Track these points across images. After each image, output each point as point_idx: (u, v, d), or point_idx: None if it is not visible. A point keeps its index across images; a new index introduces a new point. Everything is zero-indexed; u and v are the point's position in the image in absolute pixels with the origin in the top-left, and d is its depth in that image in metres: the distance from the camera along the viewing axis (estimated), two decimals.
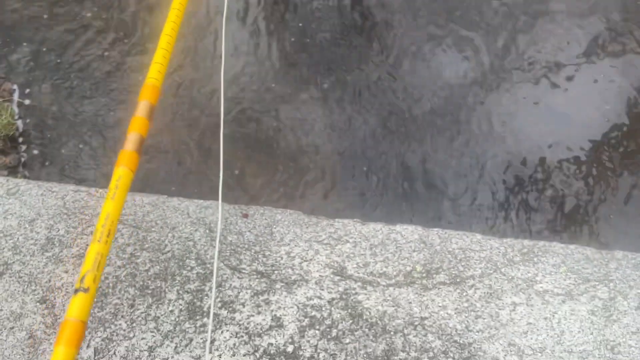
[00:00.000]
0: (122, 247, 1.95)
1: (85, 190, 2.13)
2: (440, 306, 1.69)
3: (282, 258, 1.88)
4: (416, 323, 1.67)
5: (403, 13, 2.57)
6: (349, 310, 1.73)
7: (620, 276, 1.67)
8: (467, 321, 1.65)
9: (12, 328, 1.83)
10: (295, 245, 1.90)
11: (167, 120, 2.55)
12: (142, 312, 1.81)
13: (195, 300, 1.81)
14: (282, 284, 1.81)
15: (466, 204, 2.17)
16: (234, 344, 1.71)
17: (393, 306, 1.71)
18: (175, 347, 1.73)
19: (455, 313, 1.67)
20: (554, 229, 2.05)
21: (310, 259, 1.86)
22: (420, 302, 1.71)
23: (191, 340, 1.73)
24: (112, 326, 1.79)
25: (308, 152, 2.39)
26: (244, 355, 1.68)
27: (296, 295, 1.78)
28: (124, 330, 1.78)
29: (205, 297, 1.81)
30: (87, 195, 2.11)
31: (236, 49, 2.70)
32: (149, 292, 1.85)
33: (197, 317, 1.77)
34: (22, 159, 2.73)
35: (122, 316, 1.81)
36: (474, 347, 1.61)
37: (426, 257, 1.80)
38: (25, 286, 1.90)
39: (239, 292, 1.80)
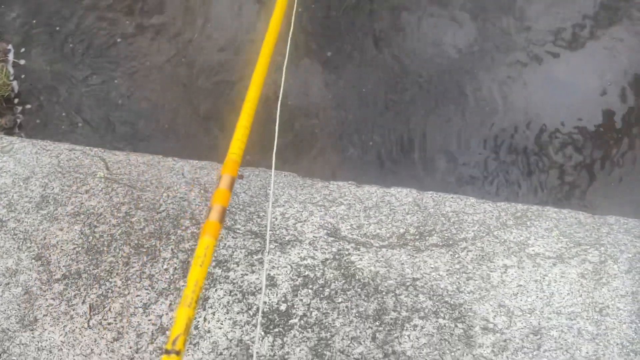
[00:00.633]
0: (117, 206, 1.95)
1: (80, 149, 2.12)
2: (432, 267, 1.71)
3: (276, 219, 1.88)
4: (408, 284, 1.69)
5: None
6: (342, 271, 1.74)
7: (612, 240, 1.68)
8: (459, 282, 1.67)
9: (8, 284, 1.85)
10: (290, 207, 1.91)
11: (167, 81, 2.52)
12: (136, 270, 1.82)
13: (189, 259, 1.82)
14: (276, 244, 1.82)
15: (462, 169, 2.16)
16: (228, 302, 1.73)
17: (385, 267, 1.73)
18: (170, 304, 1.75)
19: (446, 274, 1.69)
20: (548, 194, 2.05)
21: (305, 220, 1.86)
22: (413, 263, 1.72)
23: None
24: (107, 283, 1.81)
25: (305, 115, 2.37)
26: (238, 313, 1.71)
27: (290, 255, 1.79)
28: (119, 287, 1.80)
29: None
30: (82, 154, 2.11)
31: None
32: (144, 250, 1.86)
33: None
34: (18, 121, 2.71)
35: (117, 274, 1.82)
36: (465, 308, 1.63)
37: (419, 220, 1.81)
38: (21, 243, 1.91)
39: (233, 252, 1.82)
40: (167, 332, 1.70)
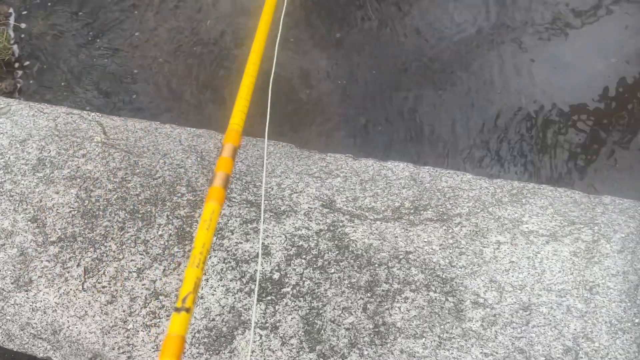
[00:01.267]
0: (114, 171, 1.95)
1: (78, 113, 2.11)
2: (425, 242, 1.71)
3: (272, 189, 1.88)
4: (401, 257, 1.70)
5: None
6: (336, 242, 1.75)
7: (606, 220, 1.68)
8: (451, 257, 1.68)
9: (3, 245, 1.86)
10: (286, 177, 1.90)
11: (167, 49, 2.49)
12: (131, 235, 1.83)
13: (184, 225, 1.83)
14: (272, 214, 1.82)
15: (460, 145, 2.15)
16: (222, 269, 1.74)
17: (379, 240, 1.73)
18: (164, 269, 1.76)
19: (439, 249, 1.69)
20: (544, 172, 2.04)
21: (300, 191, 1.86)
22: (406, 237, 1.73)
23: (179, 264, 1.76)
24: (102, 247, 1.82)
25: (305, 88, 2.35)
26: (231, 280, 1.72)
27: (284, 225, 1.80)
28: (114, 251, 1.81)
29: (195, 223, 1.82)
30: (80, 119, 2.10)
31: None
32: (139, 216, 1.86)
33: (186, 242, 1.79)
34: (18, 85, 2.69)
35: (112, 238, 1.83)
36: (456, 282, 1.64)
37: (415, 194, 1.81)
38: (17, 205, 1.91)
39: (228, 220, 1.82)
40: (161, 297, 1.72)
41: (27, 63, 2.69)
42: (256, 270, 1.73)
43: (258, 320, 1.65)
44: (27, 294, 1.78)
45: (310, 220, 1.80)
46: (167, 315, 1.68)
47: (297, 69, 2.36)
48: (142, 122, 2.07)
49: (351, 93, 2.29)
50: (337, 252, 1.73)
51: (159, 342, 1.66)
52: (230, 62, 2.42)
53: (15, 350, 1.74)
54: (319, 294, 1.67)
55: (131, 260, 1.79)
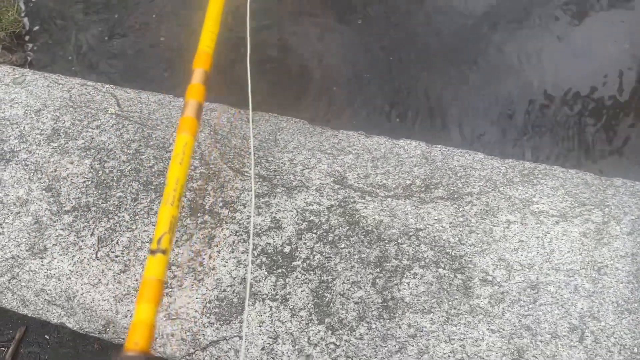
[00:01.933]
0: (127, 143, 1.97)
1: (92, 85, 2.12)
2: (435, 219, 1.73)
3: (284, 164, 1.89)
4: (411, 233, 1.71)
5: None
6: (347, 218, 1.76)
7: (617, 202, 1.68)
8: (461, 235, 1.69)
9: (19, 213, 1.88)
10: (298, 153, 1.92)
11: (182, 23, 2.49)
12: (144, 206, 1.85)
13: (197, 198, 1.85)
14: (283, 189, 1.84)
15: (472, 125, 2.16)
16: (233, 242, 1.76)
17: (389, 216, 1.75)
18: (177, 240, 1.79)
19: (449, 227, 1.71)
20: (556, 154, 2.05)
21: (312, 167, 1.88)
22: (417, 214, 1.74)
23: (192, 235, 1.79)
24: (116, 217, 1.85)
25: (318, 65, 2.35)
26: (242, 253, 1.74)
27: (296, 200, 1.81)
28: (127, 222, 1.84)
29: (207, 196, 1.84)
30: (94, 90, 2.11)
31: None
32: (152, 187, 1.88)
33: (199, 215, 1.82)
34: (29, 58, 2.70)
35: (125, 209, 1.86)
36: (465, 260, 1.65)
37: (426, 172, 1.82)
38: (32, 174, 1.94)
39: (240, 194, 1.84)
40: (173, 267, 1.75)
41: (37, 36, 2.70)
42: (268, 243, 1.75)
43: (268, 292, 1.67)
44: (41, 261, 1.81)
45: (322, 196, 1.81)
46: (180, 286, 1.71)
47: (310, 46, 2.36)
48: (155, 95, 2.08)
49: (365, 71, 2.29)
50: (347, 227, 1.75)
51: (171, 312, 1.69)
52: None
53: (29, 315, 1.77)
54: (329, 268, 1.69)
55: (144, 231, 1.81)
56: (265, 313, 1.65)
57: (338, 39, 2.38)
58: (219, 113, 2.02)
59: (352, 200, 1.79)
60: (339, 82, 2.32)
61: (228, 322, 1.65)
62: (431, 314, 1.59)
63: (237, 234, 1.77)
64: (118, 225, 1.84)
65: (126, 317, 1.70)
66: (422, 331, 1.58)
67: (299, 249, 1.73)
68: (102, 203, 1.87)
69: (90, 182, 1.91)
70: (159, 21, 2.54)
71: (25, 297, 1.78)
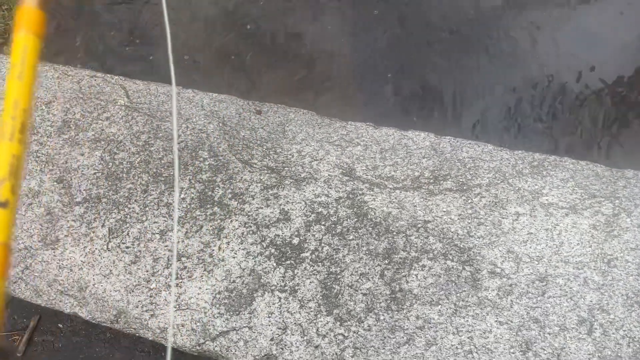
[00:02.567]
0: (137, 135, 1.98)
1: (101, 76, 2.13)
2: (444, 211, 1.72)
3: (292, 156, 1.90)
4: (419, 225, 1.71)
5: None
6: (355, 209, 1.77)
7: (628, 194, 1.67)
8: (469, 227, 1.69)
9: (31, 204, 1.91)
10: (307, 145, 1.92)
11: (191, 14, 2.48)
12: (154, 198, 1.87)
13: (206, 190, 1.86)
14: (292, 180, 1.84)
15: (482, 116, 2.14)
16: (242, 233, 1.77)
17: (398, 208, 1.75)
18: (186, 232, 1.80)
19: (458, 219, 1.71)
20: (566, 145, 2.03)
21: (321, 159, 1.88)
22: (425, 206, 1.74)
23: (201, 227, 1.80)
24: (126, 209, 1.86)
25: (325, 55, 2.34)
26: (251, 244, 1.75)
27: (304, 192, 1.82)
28: (137, 213, 1.85)
29: (217, 188, 1.85)
30: (103, 82, 2.12)
31: None
32: (162, 179, 1.90)
33: (208, 206, 1.83)
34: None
35: (135, 200, 1.87)
36: (473, 252, 1.65)
37: (435, 164, 1.81)
38: (43, 165, 1.96)
39: (249, 185, 1.85)
40: (183, 259, 1.77)
41: (47, 25, 2.70)
42: (277, 235, 1.76)
43: (277, 283, 1.69)
44: (54, 252, 1.83)
45: (330, 188, 1.81)
46: (190, 277, 1.73)
47: (318, 35, 2.35)
48: (164, 86, 2.09)
49: (373, 60, 2.28)
50: (355, 219, 1.75)
51: (181, 302, 1.71)
52: (254, 27, 2.41)
53: (43, 305, 1.80)
54: (337, 259, 1.70)
55: (154, 222, 1.83)
56: (274, 304, 1.66)
57: (348, 29, 2.36)
58: (227, 104, 2.02)
59: (360, 192, 1.79)
60: (347, 73, 2.31)
61: (237, 312, 1.67)
62: (439, 306, 1.60)
63: (246, 225, 1.78)
64: (128, 216, 1.85)
65: (137, 307, 1.73)
66: (430, 323, 1.58)
67: (307, 241, 1.74)
68: (113, 194, 1.89)
69: (100, 173, 1.93)
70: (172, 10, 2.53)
71: (39, 287, 1.81)
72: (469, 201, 1.73)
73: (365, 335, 1.59)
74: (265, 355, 1.62)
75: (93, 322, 1.76)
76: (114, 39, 2.50)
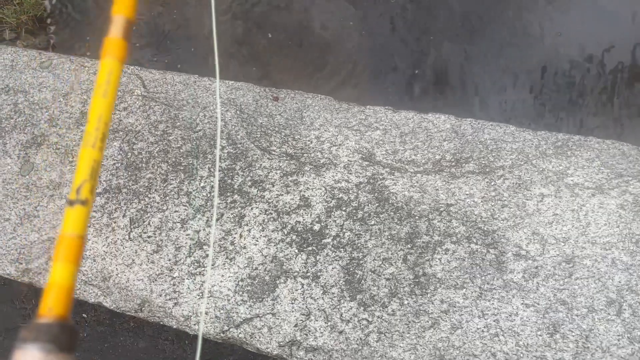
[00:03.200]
0: (155, 124, 1.98)
1: None
2: (467, 194, 1.70)
3: (311, 142, 1.88)
4: (441, 209, 1.70)
5: None
6: (376, 194, 1.75)
7: None
8: (493, 209, 1.67)
9: (52, 196, 1.92)
10: (325, 130, 1.90)
11: (205, 2, 2.47)
12: (174, 187, 1.87)
13: (226, 178, 1.85)
14: (311, 167, 1.83)
15: (504, 97, 2.11)
16: (263, 220, 1.77)
17: (419, 192, 1.73)
18: (207, 220, 1.80)
19: (481, 201, 1.68)
20: (591, 124, 1.99)
21: (340, 144, 1.86)
22: (447, 189, 1.72)
23: (222, 215, 1.80)
24: (146, 199, 1.87)
25: (342, 39, 2.32)
26: (272, 231, 1.75)
27: (324, 177, 1.81)
28: (158, 203, 1.85)
29: (236, 176, 1.85)
30: None
31: None
32: (181, 168, 1.89)
33: (228, 194, 1.82)
34: (52, 41, 2.71)
35: (155, 190, 1.87)
36: (498, 234, 1.63)
37: (457, 147, 1.78)
38: (63, 157, 1.97)
39: (268, 172, 1.84)
40: (205, 247, 1.77)
41: (59, 18, 2.70)
42: (298, 222, 1.75)
43: (299, 270, 1.68)
44: None
45: (350, 173, 1.80)
46: (212, 265, 1.73)
47: (333, 21, 2.32)
48: (180, 75, 2.08)
49: (390, 45, 2.25)
50: (377, 204, 1.74)
51: (204, 290, 1.72)
52: (268, 16, 2.39)
53: None
54: (359, 245, 1.69)
55: (175, 211, 1.83)
56: (297, 290, 1.66)
57: (363, 11, 2.33)
58: (244, 92, 2.01)
59: (381, 176, 1.78)
60: (365, 56, 2.28)
61: (261, 299, 1.67)
62: (464, 290, 1.58)
63: (267, 212, 1.78)
64: (149, 206, 1.86)
65: (160, 296, 1.74)
66: (455, 307, 1.57)
67: (328, 227, 1.73)
68: (133, 185, 1.89)
69: (120, 164, 1.93)
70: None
71: None
72: (492, 183, 1.70)
73: (389, 320, 1.59)
74: (290, 341, 1.62)
75: (117, 311, 1.77)
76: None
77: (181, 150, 1.92)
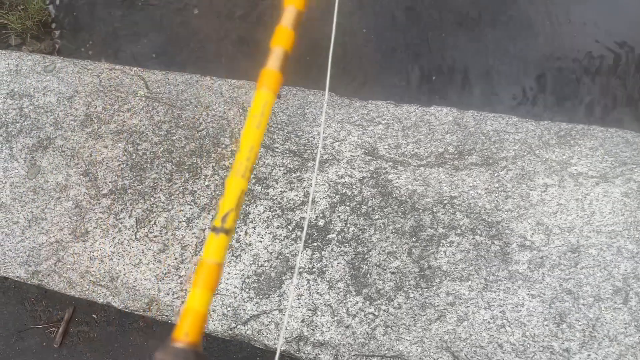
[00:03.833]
0: (158, 125, 1.99)
1: (120, 69, 2.14)
2: (470, 186, 1.70)
3: (314, 138, 1.89)
4: (445, 202, 1.70)
5: None
6: (379, 189, 1.75)
7: None
8: (497, 201, 1.66)
9: (59, 198, 1.94)
10: (327, 126, 1.90)
11: (205, 4, 2.48)
12: (179, 187, 1.88)
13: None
14: (314, 163, 1.84)
15: (505, 88, 2.10)
16: (268, 217, 1.78)
17: (423, 185, 1.73)
18: (212, 219, 1.81)
19: (485, 193, 1.68)
20: (593, 113, 1.98)
21: (342, 140, 1.86)
22: (451, 182, 1.72)
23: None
24: (152, 199, 1.88)
25: (344, 35, 2.32)
26: (277, 228, 1.76)
27: (327, 173, 1.81)
28: (163, 202, 1.87)
29: None
30: (122, 74, 2.13)
31: None
32: (186, 167, 1.91)
33: None
34: (57, 45, 2.73)
35: (160, 189, 1.89)
36: (502, 225, 1.63)
37: (459, 139, 1.78)
38: (69, 160, 1.98)
39: (272, 169, 1.84)
40: None
41: (63, 23, 2.72)
42: (302, 218, 1.76)
43: (305, 265, 1.69)
44: (84, 244, 1.86)
45: (353, 168, 1.80)
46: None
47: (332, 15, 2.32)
48: (183, 75, 2.09)
49: (390, 40, 2.25)
50: (380, 198, 1.74)
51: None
52: (269, 15, 2.39)
53: (76, 296, 1.84)
54: (363, 239, 1.69)
55: (180, 211, 1.85)
56: (303, 286, 1.67)
57: (364, 5, 2.33)
58: (246, 90, 2.01)
59: (384, 171, 1.78)
60: (366, 51, 2.28)
61: (267, 296, 1.68)
62: (469, 282, 1.58)
63: (271, 209, 1.79)
64: (155, 206, 1.87)
65: (168, 294, 1.75)
66: (460, 299, 1.57)
67: (333, 222, 1.74)
68: (138, 185, 1.91)
69: (125, 165, 1.95)
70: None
71: (71, 279, 1.84)
72: (496, 175, 1.70)
73: (395, 314, 1.59)
74: (297, 336, 1.63)
75: (126, 311, 1.79)
76: (131, 32, 2.51)
77: (185, 150, 1.93)
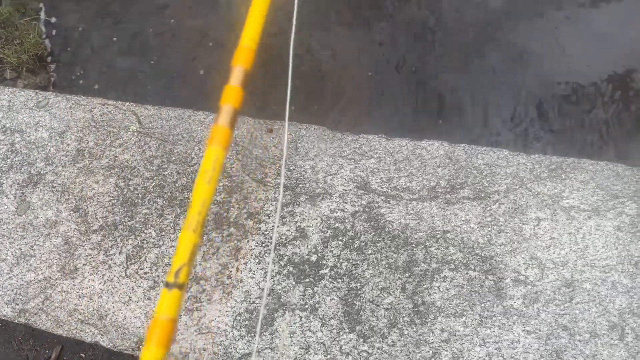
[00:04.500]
0: (150, 160, 1.98)
1: (113, 104, 2.15)
2: (463, 220, 1.69)
3: (306, 172, 1.88)
4: (438, 236, 1.69)
5: None
6: (372, 223, 1.74)
7: None
8: (490, 235, 1.66)
9: (49, 234, 1.91)
10: (320, 160, 1.90)
11: (197, 39, 2.50)
12: (170, 222, 1.86)
13: (221, 211, 1.85)
14: (306, 197, 1.83)
15: (495, 122, 2.11)
16: (260, 253, 1.76)
17: (416, 219, 1.72)
18: (203, 254, 1.79)
19: (478, 227, 1.67)
20: (584, 146, 1.99)
21: (334, 174, 1.86)
22: (443, 216, 1.71)
23: (218, 248, 1.79)
24: (142, 234, 1.86)
25: (334, 68, 2.34)
26: (269, 264, 1.73)
27: (320, 207, 1.80)
28: (154, 238, 1.85)
29: (231, 209, 1.85)
30: (115, 109, 2.13)
31: None
32: (177, 202, 1.89)
33: (224, 227, 1.82)
34: (52, 79, 2.74)
35: (151, 225, 1.87)
36: (495, 260, 1.62)
37: (451, 173, 1.78)
38: (59, 195, 1.97)
39: (264, 204, 1.83)
40: (202, 282, 1.75)
41: (59, 57, 2.74)
42: (294, 253, 1.74)
43: (297, 302, 1.67)
44: (73, 281, 1.83)
45: (346, 202, 1.80)
46: (209, 299, 1.71)
47: (325, 50, 2.35)
48: (175, 110, 2.10)
49: (381, 72, 2.27)
50: (373, 233, 1.73)
51: (202, 326, 1.70)
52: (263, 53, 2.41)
53: (64, 335, 1.80)
54: (356, 274, 1.68)
55: (171, 247, 1.83)
56: (295, 323, 1.64)
57: (354, 40, 2.36)
58: (237, 125, 2.02)
59: (376, 205, 1.77)
60: (356, 85, 2.30)
61: (259, 334, 1.65)
62: (464, 317, 1.56)
63: (263, 244, 1.77)
64: (145, 242, 1.85)
65: None
66: (455, 335, 1.55)
67: (325, 257, 1.72)
68: (129, 221, 1.89)
69: (116, 200, 1.93)
70: (181, 35, 2.56)
71: (59, 318, 1.80)
72: (488, 209, 1.70)
73: (389, 351, 1.56)
74: None
75: (115, 350, 1.75)
76: (125, 67, 2.53)
77: (177, 185, 1.92)
